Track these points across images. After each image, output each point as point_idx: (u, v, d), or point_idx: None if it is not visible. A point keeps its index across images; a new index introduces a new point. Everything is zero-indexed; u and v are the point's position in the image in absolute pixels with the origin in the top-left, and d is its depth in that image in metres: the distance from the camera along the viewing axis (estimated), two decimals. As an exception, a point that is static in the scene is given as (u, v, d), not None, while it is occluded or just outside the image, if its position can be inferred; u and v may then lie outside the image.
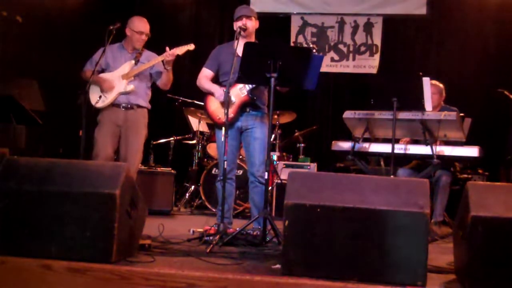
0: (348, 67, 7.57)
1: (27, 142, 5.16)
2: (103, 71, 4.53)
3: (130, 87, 4.47)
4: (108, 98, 4.45)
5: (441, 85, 4.79)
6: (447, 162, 4.35)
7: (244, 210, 5.65)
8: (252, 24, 4.10)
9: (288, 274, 2.68)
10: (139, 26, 4.56)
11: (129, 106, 4.48)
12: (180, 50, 4.33)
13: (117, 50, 4.57)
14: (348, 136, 4.37)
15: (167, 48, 4.32)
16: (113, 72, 4.52)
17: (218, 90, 4.09)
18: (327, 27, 7.64)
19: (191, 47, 4.37)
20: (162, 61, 4.40)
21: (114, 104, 4.47)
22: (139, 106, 4.53)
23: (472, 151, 3.99)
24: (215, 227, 3.68)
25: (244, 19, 4.06)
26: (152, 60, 4.48)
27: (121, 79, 4.48)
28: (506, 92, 5.30)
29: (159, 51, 4.50)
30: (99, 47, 4.54)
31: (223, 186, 3.76)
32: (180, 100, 6.45)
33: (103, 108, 4.48)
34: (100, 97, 4.44)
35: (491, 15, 7.07)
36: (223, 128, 3.81)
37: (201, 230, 3.85)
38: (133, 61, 4.53)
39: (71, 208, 2.81)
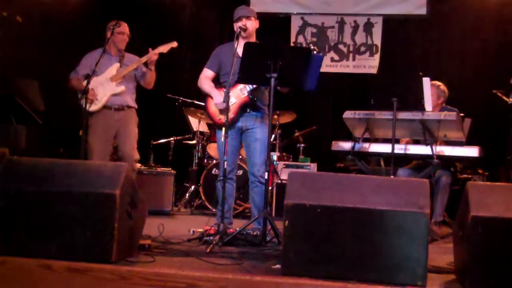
0: (348, 67, 7.56)
1: (27, 142, 5.17)
2: (89, 76, 4.50)
3: (121, 88, 4.62)
4: (101, 101, 4.57)
5: (441, 87, 4.76)
6: (447, 162, 4.35)
7: (244, 210, 5.65)
8: (252, 24, 4.10)
9: (288, 274, 2.67)
10: (119, 25, 4.68)
11: (120, 107, 4.64)
12: (164, 48, 4.54)
13: (101, 55, 4.53)
14: (348, 136, 4.37)
15: (150, 49, 4.50)
16: (100, 76, 4.61)
17: (217, 97, 4.06)
18: (327, 27, 7.64)
19: (174, 44, 4.55)
20: (146, 61, 4.55)
21: (105, 107, 4.60)
22: (129, 107, 4.70)
23: (472, 151, 3.99)
24: (215, 227, 3.68)
25: (243, 19, 4.05)
26: (136, 61, 4.63)
27: (110, 81, 4.62)
28: (499, 94, 5.32)
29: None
30: (99, 47, 4.55)
31: (223, 186, 3.76)
32: (180, 100, 6.45)
33: (95, 112, 4.56)
34: (92, 100, 4.52)
35: (491, 15, 7.07)
36: (223, 129, 3.81)
37: (201, 230, 3.85)
38: (118, 64, 4.67)
39: (71, 208, 2.81)
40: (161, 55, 4.57)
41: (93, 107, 4.52)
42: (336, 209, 2.68)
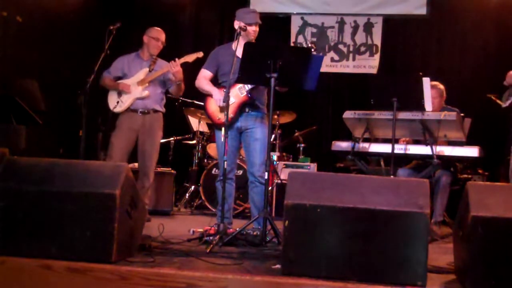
0: (348, 67, 7.56)
1: (27, 142, 5.17)
2: (120, 78, 4.77)
3: (145, 92, 4.72)
4: (125, 103, 4.71)
5: (441, 87, 4.77)
6: (447, 162, 4.35)
7: (244, 210, 5.65)
8: (257, 31, 4.12)
9: (288, 274, 2.67)
10: (156, 33, 4.84)
11: (146, 111, 4.75)
12: (190, 57, 4.62)
13: (134, 59, 4.82)
14: (348, 136, 4.37)
15: (173, 61, 4.53)
16: (129, 79, 4.76)
17: (217, 94, 4.07)
18: (327, 27, 7.64)
19: (200, 54, 4.64)
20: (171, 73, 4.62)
21: (131, 109, 4.72)
22: (155, 111, 4.81)
23: (472, 151, 3.99)
24: (215, 227, 3.68)
25: (253, 26, 4.07)
26: (159, 70, 4.72)
27: (136, 85, 4.73)
28: (493, 97, 5.32)
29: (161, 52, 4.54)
30: (99, 47, 4.55)
31: (223, 186, 3.76)
32: (180, 100, 6.45)
33: (121, 113, 4.73)
34: (117, 102, 4.71)
35: (491, 15, 7.07)
36: (223, 129, 3.81)
37: (201, 230, 3.85)
38: (147, 69, 4.77)
39: (71, 208, 2.81)
40: (184, 63, 4.61)
41: (117, 109, 4.71)
42: (336, 209, 2.68)
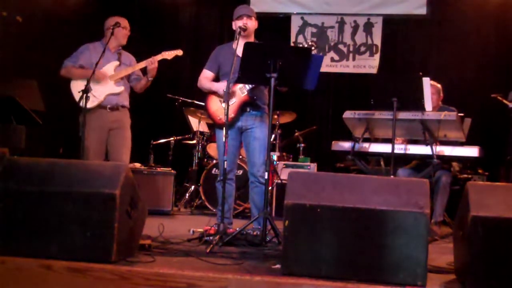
0: (348, 67, 7.57)
1: (27, 142, 5.17)
2: (92, 72, 4.25)
3: (120, 88, 4.52)
4: (98, 99, 4.43)
5: (438, 85, 4.78)
6: (447, 162, 4.35)
7: (244, 210, 5.65)
8: (252, 24, 4.11)
9: (288, 274, 2.68)
10: (123, 22, 4.59)
11: (115, 107, 4.52)
12: (169, 54, 4.47)
13: (100, 49, 4.42)
14: (348, 136, 4.37)
15: (153, 58, 4.39)
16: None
17: (219, 85, 4.07)
18: (327, 27, 7.64)
19: (179, 52, 4.49)
20: (146, 70, 4.45)
21: (101, 106, 4.47)
22: (123, 107, 4.59)
23: (472, 151, 3.99)
24: (215, 227, 3.68)
25: (245, 18, 4.06)
26: (138, 64, 4.52)
27: (108, 80, 4.48)
28: (499, 97, 5.30)
29: (156, 50, 4.51)
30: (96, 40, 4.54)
31: (223, 186, 3.76)
32: (180, 100, 6.46)
33: (90, 109, 4.35)
34: (88, 97, 4.28)
35: (491, 15, 7.08)
36: (224, 128, 3.81)
37: (201, 230, 3.85)
38: (117, 62, 4.56)
39: (71, 208, 2.81)
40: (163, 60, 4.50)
41: (89, 104, 4.28)
42: (336, 209, 2.68)
